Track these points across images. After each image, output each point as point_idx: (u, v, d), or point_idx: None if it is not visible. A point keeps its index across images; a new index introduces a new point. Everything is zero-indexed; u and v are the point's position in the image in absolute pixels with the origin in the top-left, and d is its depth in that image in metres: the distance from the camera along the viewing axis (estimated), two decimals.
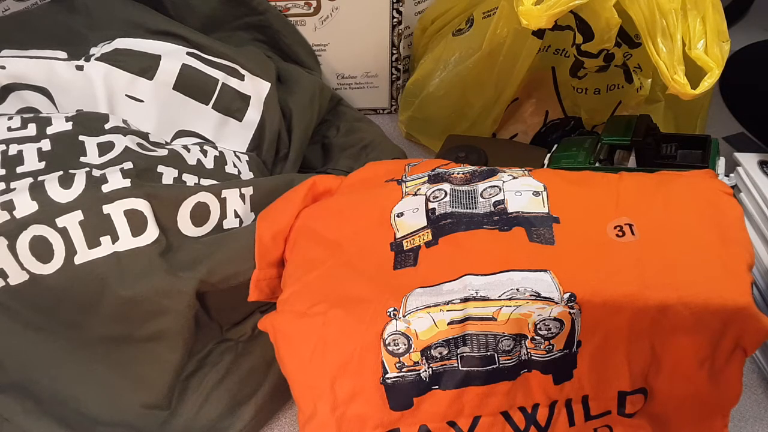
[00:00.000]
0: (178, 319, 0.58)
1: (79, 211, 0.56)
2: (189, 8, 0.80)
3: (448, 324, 0.49)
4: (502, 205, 0.54)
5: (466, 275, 0.50)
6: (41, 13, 0.76)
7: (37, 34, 0.74)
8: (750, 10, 1.11)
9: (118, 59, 0.68)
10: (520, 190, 0.55)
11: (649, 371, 0.50)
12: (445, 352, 0.49)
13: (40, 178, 0.58)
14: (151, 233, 0.58)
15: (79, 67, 0.67)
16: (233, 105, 0.73)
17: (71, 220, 0.56)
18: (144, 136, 0.65)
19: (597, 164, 0.68)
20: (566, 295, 0.48)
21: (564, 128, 0.84)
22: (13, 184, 0.58)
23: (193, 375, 0.61)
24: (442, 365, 0.49)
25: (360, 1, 0.85)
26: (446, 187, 0.57)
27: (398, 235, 0.55)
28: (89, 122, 0.63)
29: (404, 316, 0.49)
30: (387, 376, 0.49)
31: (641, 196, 0.54)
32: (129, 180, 0.58)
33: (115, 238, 0.57)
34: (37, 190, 0.56)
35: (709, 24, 0.62)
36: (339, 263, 0.54)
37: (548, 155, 0.73)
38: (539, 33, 0.72)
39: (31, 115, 0.63)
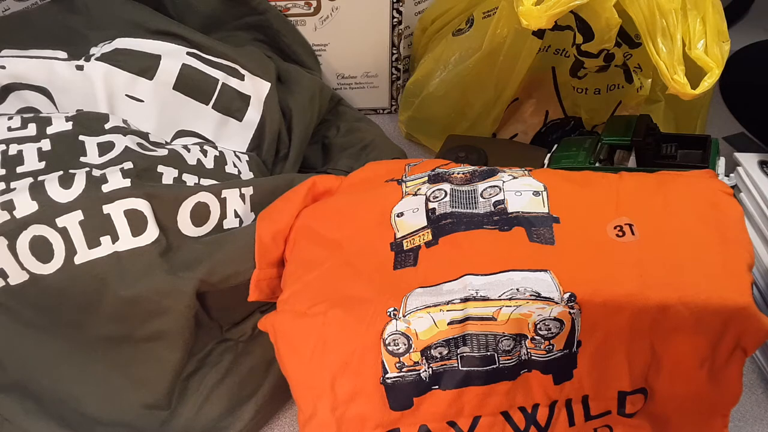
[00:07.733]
0: (178, 319, 0.58)
1: (79, 211, 0.56)
2: (189, 8, 0.80)
3: (448, 324, 0.49)
4: (502, 205, 0.54)
5: (466, 275, 0.50)
6: (41, 13, 0.76)
7: (37, 34, 0.74)
8: (750, 10, 1.11)
9: (118, 59, 0.67)
10: (520, 190, 0.55)
11: (649, 371, 0.50)
12: (445, 352, 0.49)
13: (40, 178, 0.58)
14: (151, 233, 0.58)
15: (79, 67, 0.67)
16: (233, 105, 0.73)
17: (71, 220, 0.56)
18: (144, 136, 0.65)
19: (597, 164, 0.68)
20: (566, 295, 0.48)
21: (564, 128, 0.84)
22: (13, 184, 0.58)
23: (193, 375, 0.61)
24: (442, 365, 0.49)
25: (360, 1, 0.85)
26: (446, 187, 0.57)
27: (398, 235, 0.55)
28: (89, 122, 0.63)
29: (404, 316, 0.49)
30: (387, 376, 0.49)
31: (641, 196, 0.54)
32: (129, 180, 0.58)
33: (115, 238, 0.57)
34: (37, 190, 0.56)
35: (709, 24, 0.62)
36: (339, 263, 0.54)
37: (548, 155, 0.73)
38: (539, 33, 0.72)
39: (31, 114, 0.63)
